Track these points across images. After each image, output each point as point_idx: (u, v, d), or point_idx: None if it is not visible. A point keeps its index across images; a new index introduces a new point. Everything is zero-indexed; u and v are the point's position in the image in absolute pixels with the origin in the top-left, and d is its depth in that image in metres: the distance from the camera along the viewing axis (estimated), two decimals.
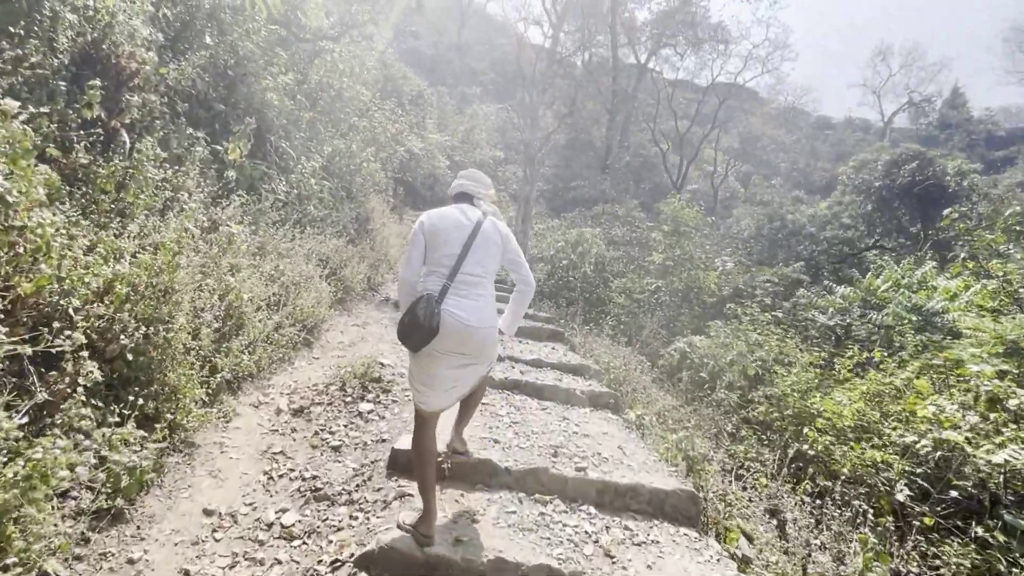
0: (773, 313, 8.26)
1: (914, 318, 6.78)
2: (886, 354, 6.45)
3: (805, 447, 4.62)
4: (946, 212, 9.11)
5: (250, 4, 6.98)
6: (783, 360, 6.25)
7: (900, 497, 3.55)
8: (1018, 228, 7.94)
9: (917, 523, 3.21)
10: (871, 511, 3.34)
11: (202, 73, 6.21)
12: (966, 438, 3.57)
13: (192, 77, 5.81)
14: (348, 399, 4.23)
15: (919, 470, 3.82)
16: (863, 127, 38.36)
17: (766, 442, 5.30)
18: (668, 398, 6.91)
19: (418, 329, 2.37)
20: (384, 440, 3.65)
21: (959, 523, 3.35)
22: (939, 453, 3.75)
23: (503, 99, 31.60)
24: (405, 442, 3.25)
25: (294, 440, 3.70)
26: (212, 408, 3.63)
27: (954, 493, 3.52)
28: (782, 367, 6.05)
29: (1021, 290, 6.66)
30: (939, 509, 3.49)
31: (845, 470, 4.03)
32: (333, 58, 12.08)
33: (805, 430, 4.84)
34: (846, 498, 3.50)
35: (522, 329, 7.59)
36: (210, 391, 3.59)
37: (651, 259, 10.38)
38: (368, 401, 4.23)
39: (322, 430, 3.81)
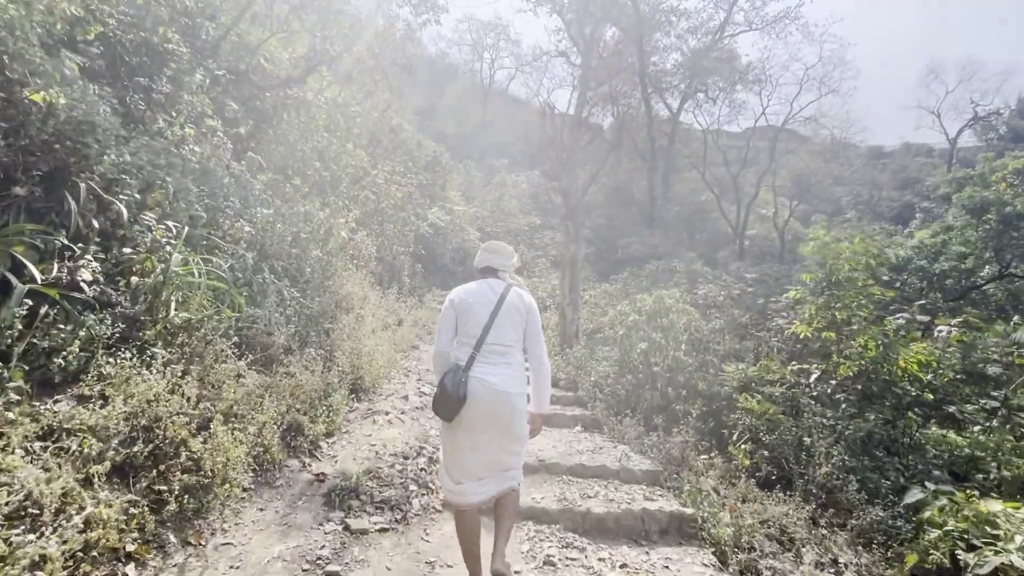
0: None
1: None
2: None
3: None
4: None
5: None
6: None
7: None
8: None
9: None
10: None
11: None
12: None
13: None
14: None
15: None
16: (924, 151, 33.36)
17: None
18: None
19: (447, 399, 2.31)
20: None
21: None
22: None
23: (532, 168, 28.55)
24: None
25: None
26: None
27: None
28: None
29: None
30: None
31: None
32: (308, 110, 8.76)
33: None
34: None
35: (622, 517, 3.38)
36: None
37: (791, 328, 6.04)
38: None
39: None
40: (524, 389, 2.51)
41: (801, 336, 5.82)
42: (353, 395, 4.99)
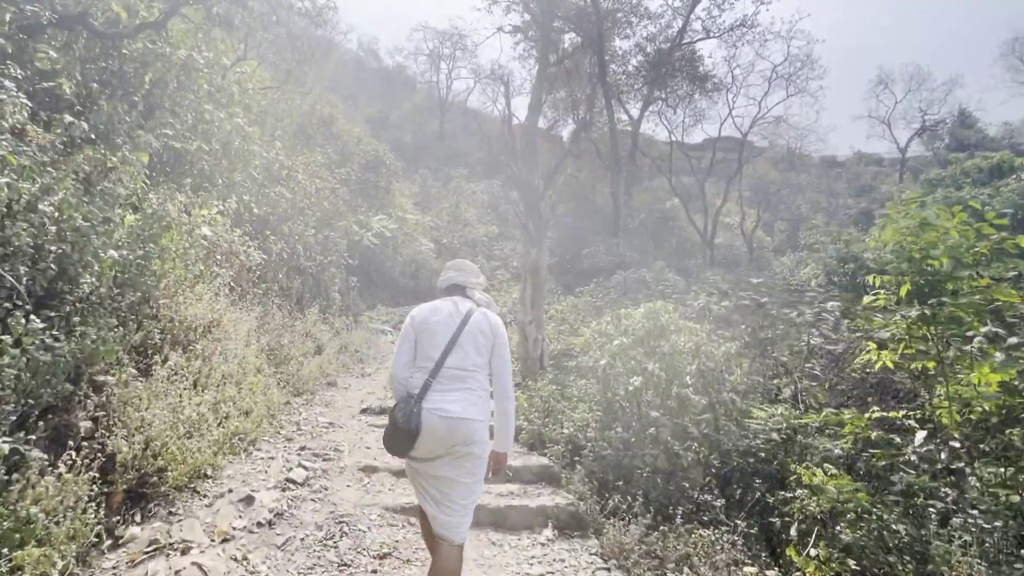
0: None
1: None
2: None
3: None
4: None
5: None
6: None
7: None
8: None
9: None
10: None
11: None
12: None
13: None
14: None
15: None
16: (874, 161, 32.93)
17: None
18: None
19: (398, 434, 2.05)
20: None
21: None
22: None
23: (491, 177, 26.45)
24: None
25: None
26: None
27: None
28: None
29: None
30: None
31: None
32: (188, 74, 6.42)
33: None
34: None
35: None
36: None
37: (862, 356, 3.95)
38: None
39: None
40: (485, 416, 2.17)
41: (876, 366, 3.74)
42: (134, 511, 2.60)
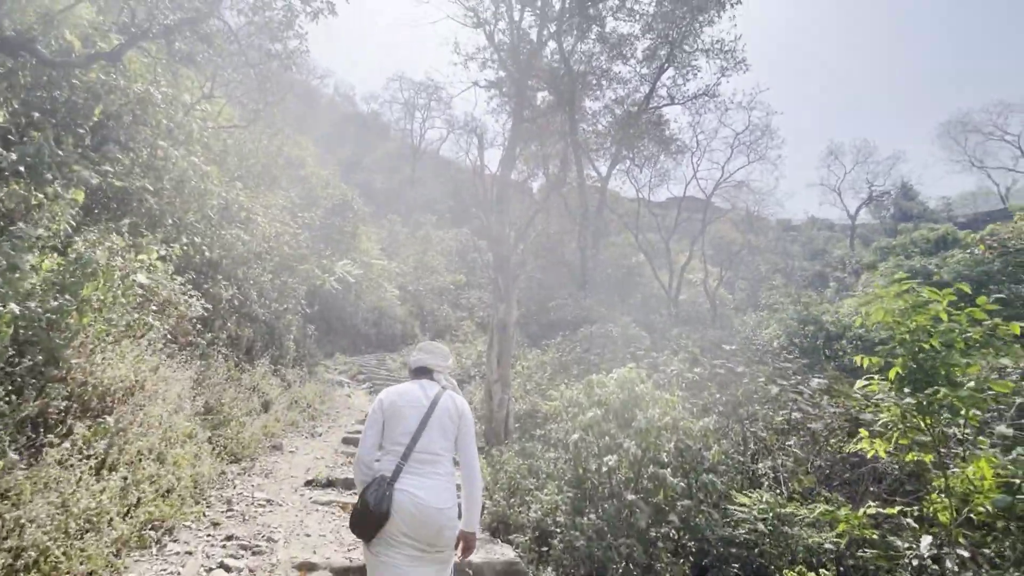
0: None
1: None
2: None
3: None
4: None
5: None
6: None
7: None
8: None
9: None
10: None
11: None
12: None
13: None
14: None
15: None
16: (826, 226, 34.69)
17: None
18: None
19: (367, 515, 2.03)
20: None
21: None
22: None
23: (461, 225, 26.38)
24: None
25: None
26: None
27: None
28: None
29: None
30: None
31: None
32: (145, 108, 6.02)
33: None
34: None
35: None
36: None
37: (853, 444, 3.63)
38: None
39: None
40: (454, 503, 2.19)
41: (868, 455, 3.49)
42: None
